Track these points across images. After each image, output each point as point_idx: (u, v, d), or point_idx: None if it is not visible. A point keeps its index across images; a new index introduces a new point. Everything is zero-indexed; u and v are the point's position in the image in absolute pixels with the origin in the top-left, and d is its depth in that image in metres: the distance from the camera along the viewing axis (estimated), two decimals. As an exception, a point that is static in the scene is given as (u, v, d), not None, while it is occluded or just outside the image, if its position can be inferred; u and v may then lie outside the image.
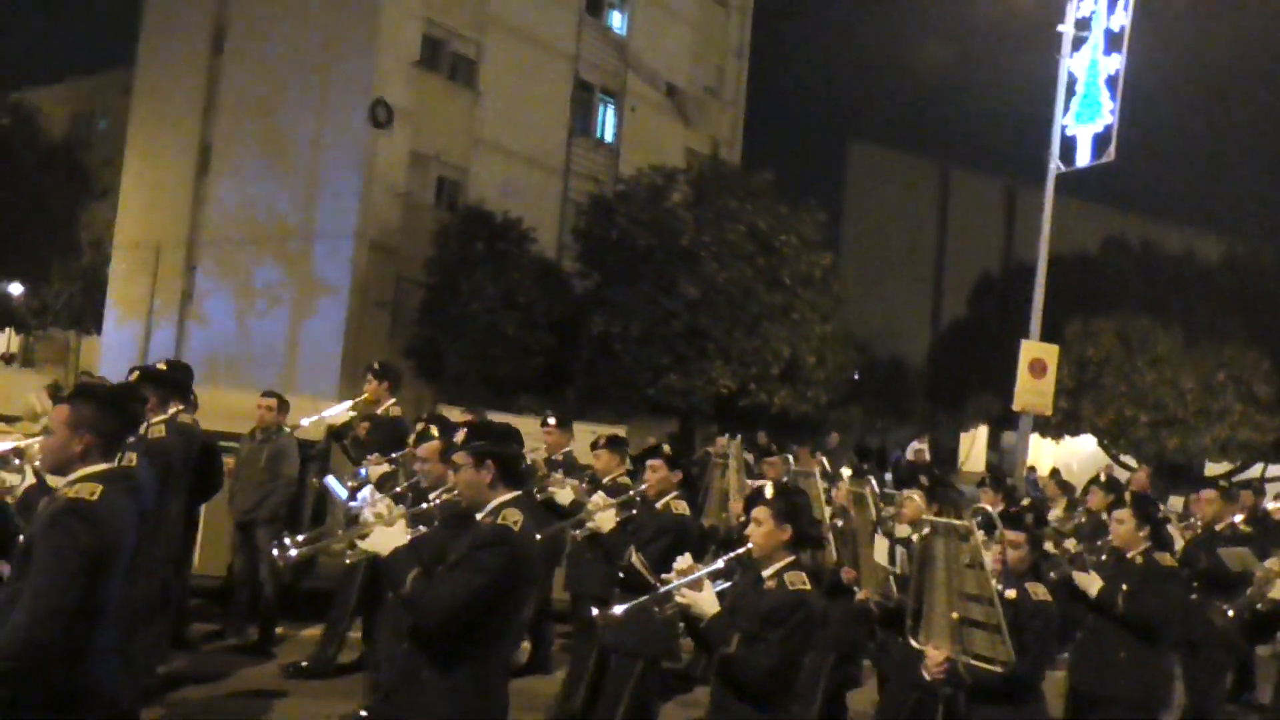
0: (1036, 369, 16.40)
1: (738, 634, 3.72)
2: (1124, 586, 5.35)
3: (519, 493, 3.84)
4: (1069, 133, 16.62)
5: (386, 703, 4.18)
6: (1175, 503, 11.26)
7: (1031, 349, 16.60)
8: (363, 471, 6.39)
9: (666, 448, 5.76)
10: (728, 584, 3.99)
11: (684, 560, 3.98)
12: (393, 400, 7.45)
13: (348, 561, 4.24)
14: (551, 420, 7.46)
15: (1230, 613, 4.92)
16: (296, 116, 22.19)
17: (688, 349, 17.83)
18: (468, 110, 23.08)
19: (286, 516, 7.95)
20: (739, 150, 28.70)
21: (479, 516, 3.74)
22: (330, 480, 6.23)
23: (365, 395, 7.37)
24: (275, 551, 4.11)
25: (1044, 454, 26.52)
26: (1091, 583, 5.36)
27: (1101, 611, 5.34)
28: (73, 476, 3.33)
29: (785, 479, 8.25)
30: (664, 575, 3.97)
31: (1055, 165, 16.74)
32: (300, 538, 4.29)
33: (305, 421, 7.61)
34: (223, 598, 8.36)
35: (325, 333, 21.29)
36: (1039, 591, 4.33)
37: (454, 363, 18.68)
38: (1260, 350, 21.63)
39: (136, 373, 6.32)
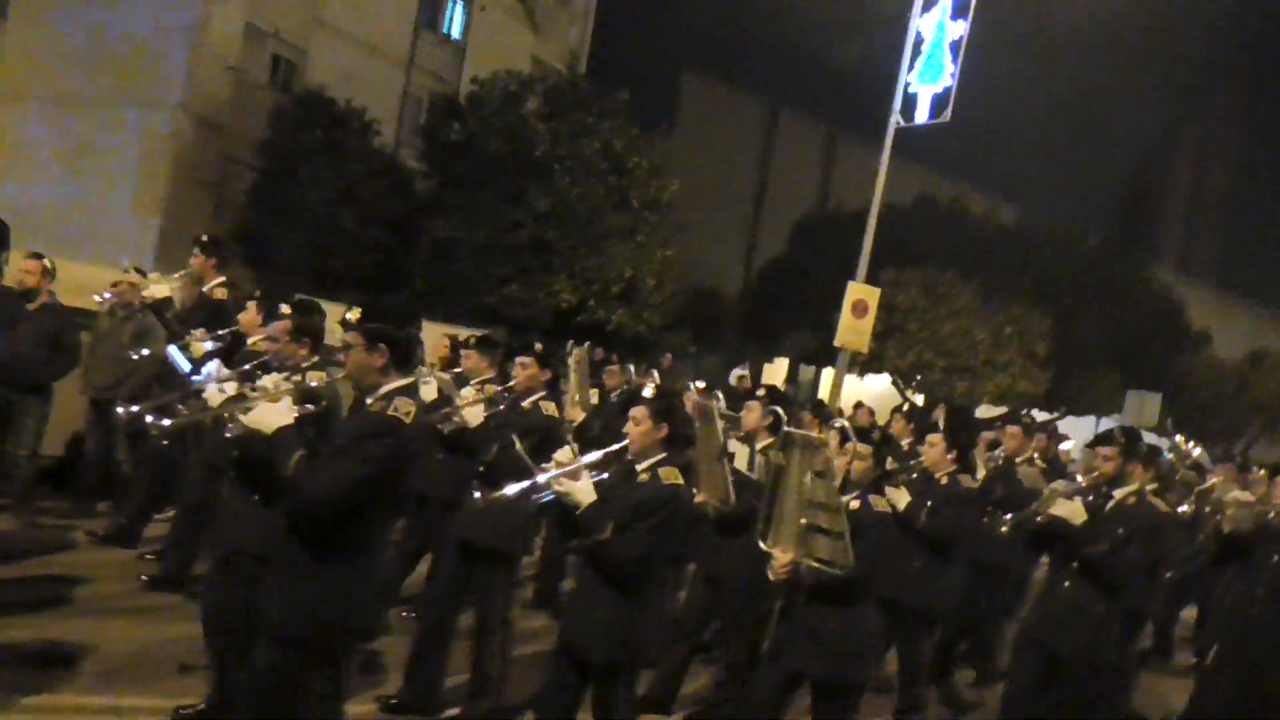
0: (859, 309, 17.43)
1: (610, 523, 3.93)
2: (928, 503, 5.87)
3: (411, 380, 3.77)
4: (911, 90, 17.51)
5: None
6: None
7: (856, 290, 17.60)
8: (209, 345, 6.15)
9: (539, 345, 5.78)
10: (602, 476, 4.16)
11: (564, 452, 4.16)
12: (220, 279, 7.14)
13: (226, 436, 4.02)
14: None
15: (1009, 518, 5.52)
16: (116, -33, 20.26)
17: (531, 260, 17.88)
18: (311, -14, 21.82)
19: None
20: (584, 64, 28.49)
21: (369, 401, 3.64)
22: (172, 350, 5.93)
23: (190, 269, 7.07)
24: (149, 420, 3.90)
25: (844, 389, 28.36)
26: (900, 497, 5.81)
27: (904, 524, 5.73)
28: None
29: (625, 388, 8.63)
30: (543, 465, 4.09)
31: (896, 119, 17.63)
32: (168, 410, 4.20)
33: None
34: (61, 477, 8.00)
35: (141, 206, 19.86)
36: (879, 503, 4.70)
37: (285, 252, 17.96)
38: (1043, 311, 23.83)
39: None
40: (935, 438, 6.26)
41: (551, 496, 4.01)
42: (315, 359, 4.72)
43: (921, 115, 17.46)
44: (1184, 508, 7.83)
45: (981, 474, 7.51)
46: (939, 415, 12.70)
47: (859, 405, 17.55)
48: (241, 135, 20.04)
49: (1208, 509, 7.89)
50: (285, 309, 4.99)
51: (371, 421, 3.56)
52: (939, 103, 17.14)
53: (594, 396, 8.12)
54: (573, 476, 3.98)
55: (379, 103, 21.29)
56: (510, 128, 18.08)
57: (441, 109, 19.91)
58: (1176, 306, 29.74)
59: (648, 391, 4.47)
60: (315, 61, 21.92)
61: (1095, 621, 5.09)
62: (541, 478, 4.00)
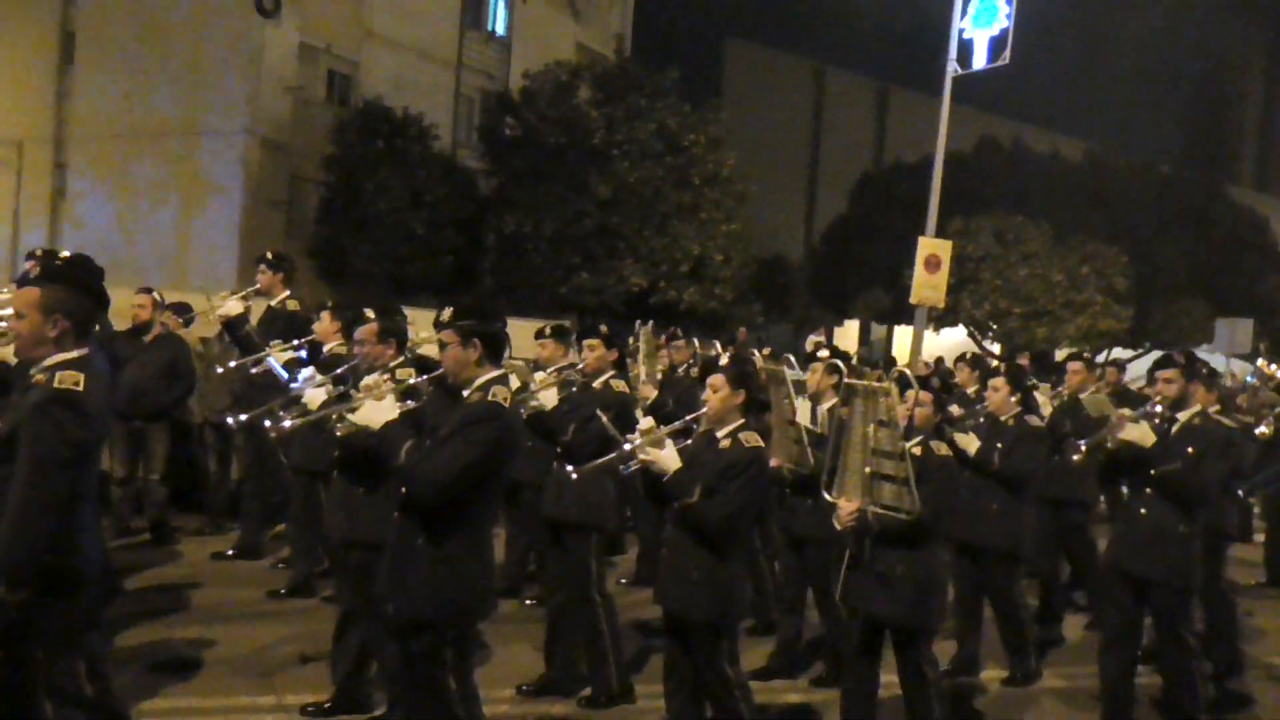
0: (932, 264, 17.28)
1: (698, 486, 4.07)
2: (998, 445, 5.95)
3: (503, 370, 3.92)
4: (965, 36, 17.24)
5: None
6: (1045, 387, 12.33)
7: (927, 245, 17.44)
8: (302, 354, 6.35)
9: (603, 327, 5.91)
10: (685, 444, 4.29)
11: (647, 422, 4.31)
12: (287, 293, 7.25)
13: (338, 434, 4.23)
14: None
15: (1083, 446, 5.51)
16: (172, 2, 20.84)
17: (598, 248, 18.05)
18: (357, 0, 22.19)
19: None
20: (629, 46, 28.51)
21: (467, 393, 3.80)
22: (272, 360, 6.23)
23: (259, 285, 7.15)
24: (268, 424, 4.18)
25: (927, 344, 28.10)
26: (970, 442, 5.93)
27: (978, 469, 5.88)
28: (52, 361, 3.21)
29: (691, 362, 8.72)
30: (629, 435, 4.23)
31: (953, 67, 17.38)
32: (273, 416, 4.36)
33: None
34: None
35: (217, 233, 20.52)
36: (941, 449, 4.78)
37: (360, 263, 18.41)
38: (1119, 245, 23.31)
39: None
40: (998, 382, 6.31)
41: (638, 465, 4.16)
42: (401, 359, 4.93)
43: (979, 61, 17.18)
44: (1261, 429, 7.70)
45: (1047, 412, 7.50)
46: (1024, 362, 12.56)
47: (939, 361, 17.49)
48: (306, 153, 20.54)
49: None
50: (369, 313, 5.24)
51: (476, 408, 3.72)
52: (996, 46, 16.84)
53: (659, 374, 8.31)
54: (657, 445, 4.13)
55: (433, 106, 21.65)
56: (565, 119, 18.23)
57: (495, 106, 20.12)
58: (1259, 225, 28.82)
59: (724, 360, 4.56)
60: (368, 72, 22.32)
61: (1179, 542, 5.09)
62: (628, 447, 4.14)
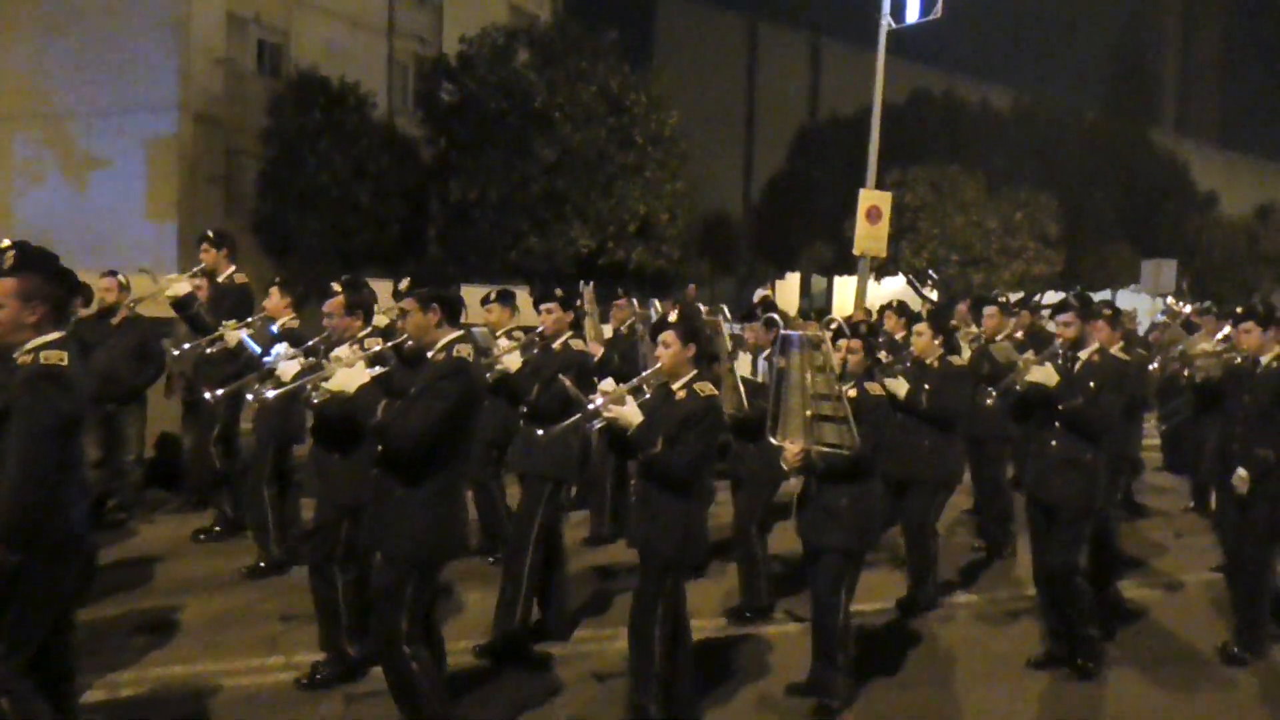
0: (873, 215, 17.72)
1: (660, 437, 4.34)
2: (925, 386, 6.33)
3: (463, 330, 4.22)
4: (898, -10, 17.59)
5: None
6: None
7: (868, 197, 17.87)
8: (274, 330, 6.48)
9: (559, 290, 6.10)
10: (645, 398, 4.54)
11: (607, 383, 4.52)
12: (233, 268, 7.34)
13: (315, 401, 4.51)
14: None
15: (994, 392, 5.90)
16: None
17: (546, 212, 18.12)
18: (283, -33, 21.76)
19: None
20: (561, 5, 28.32)
21: (430, 354, 4.12)
22: (245, 337, 6.39)
23: (202, 264, 7.23)
24: (250, 397, 4.47)
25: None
26: (900, 386, 6.30)
27: (909, 410, 6.25)
28: (35, 343, 3.39)
29: (632, 320, 8.96)
30: (591, 396, 4.46)
31: (887, 21, 17.73)
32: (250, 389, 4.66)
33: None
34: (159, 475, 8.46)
35: (155, 211, 20.14)
36: (875, 389, 5.14)
37: (305, 237, 18.24)
38: (1050, 192, 23.99)
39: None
40: (921, 327, 6.68)
41: (603, 423, 4.42)
42: (369, 329, 5.14)
43: (912, 15, 17.55)
44: (1153, 365, 8.25)
45: (966, 355, 7.91)
46: (959, 311, 13.06)
47: (883, 309, 17.95)
48: (242, 127, 20.19)
49: (1179, 364, 8.24)
50: (336, 286, 5.39)
51: (443, 364, 4.04)
52: (927, 1, 17.21)
53: (606, 331, 8.53)
54: (619, 402, 4.38)
55: (366, 74, 21.33)
56: (505, 83, 18.17)
57: (432, 72, 19.95)
58: (1180, 170, 29.82)
59: (673, 316, 4.83)
60: (298, 41, 21.93)
61: (1086, 469, 5.50)
62: (592, 406, 4.37)
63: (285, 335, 6.08)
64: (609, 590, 6.47)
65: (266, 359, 5.19)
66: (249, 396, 4.63)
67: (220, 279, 7.28)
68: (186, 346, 6.66)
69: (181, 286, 6.84)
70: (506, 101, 17.86)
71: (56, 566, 3.46)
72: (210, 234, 7.49)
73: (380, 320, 5.96)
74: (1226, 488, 5.96)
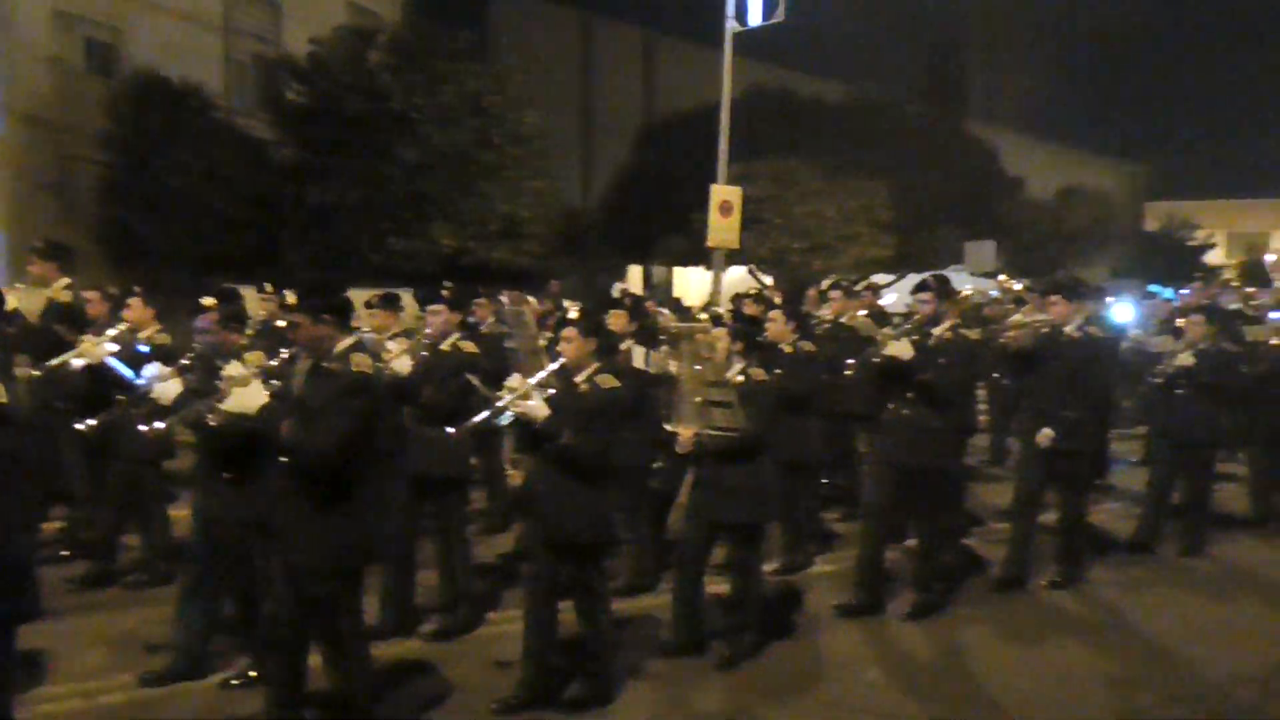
0: (725, 209, 18.60)
1: (567, 429, 4.67)
2: (777, 371, 6.86)
3: (358, 338, 4.36)
4: (741, -8, 18.45)
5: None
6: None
7: (720, 191, 18.74)
8: (143, 348, 6.34)
9: (446, 292, 6.30)
10: (549, 393, 4.84)
11: (515, 379, 4.83)
12: (66, 281, 7.06)
13: (211, 424, 4.43)
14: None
15: (851, 363, 6.62)
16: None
17: (409, 213, 18.12)
18: (111, -38, 20.76)
19: None
20: (405, 5, 28.01)
21: (326, 364, 4.19)
22: (113, 361, 6.14)
23: (32, 275, 6.97)
24: (143, 428, 4.44)
25: (708, 285, 29.66)
26: (757, 374, 6.97)
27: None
28: None
29: (495, 316, 9.35)
30: (497, 393, 4.77)
31: (731, 24, 18.60)
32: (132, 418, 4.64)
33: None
34: None
35: (-18, 221, 18.92)
36: (758, 374, 5.63)
37: (156, 244, 17.62)
38: (881, 180, 25.56)
39: None
40: (775, 314, 7.24)
41: (510, 417, 4.71)
42: (246, 342, 5.16)
43: (755, 18, 18.47)
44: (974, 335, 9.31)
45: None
46: (810, 295, 14.14)
47: (739, 297, 18.85)
48: (75, 129, 19.21)
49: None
50: (209, 301, 5.42)
51: (346, 380, 4.14)
52: (770, 3, 18.15)
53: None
54: (526, 398, 4.65)
55: (203, 74, 20.58)
56: (361, 84, 18.04)
57: (282, 73, 19.53)
58: (991, 156, 32.20)
59: (573, 313, 5.09)
60: (131, 39, 21.00)
61: (935, 435, 6.25)
62: (500, 404, 4.66)
63: (157, 353, 5.98)
64: (509, 577, 6.91)
65: (140, 380, 5.18)
66: (142, 428, 4.52)
67: (50, 292, 6.98)
68: (50, 364, 6.20)
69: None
70: (363, 103, 17.73)
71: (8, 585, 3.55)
72: (40, 245, 7.18)
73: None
74: (1032, 444, 6.84)
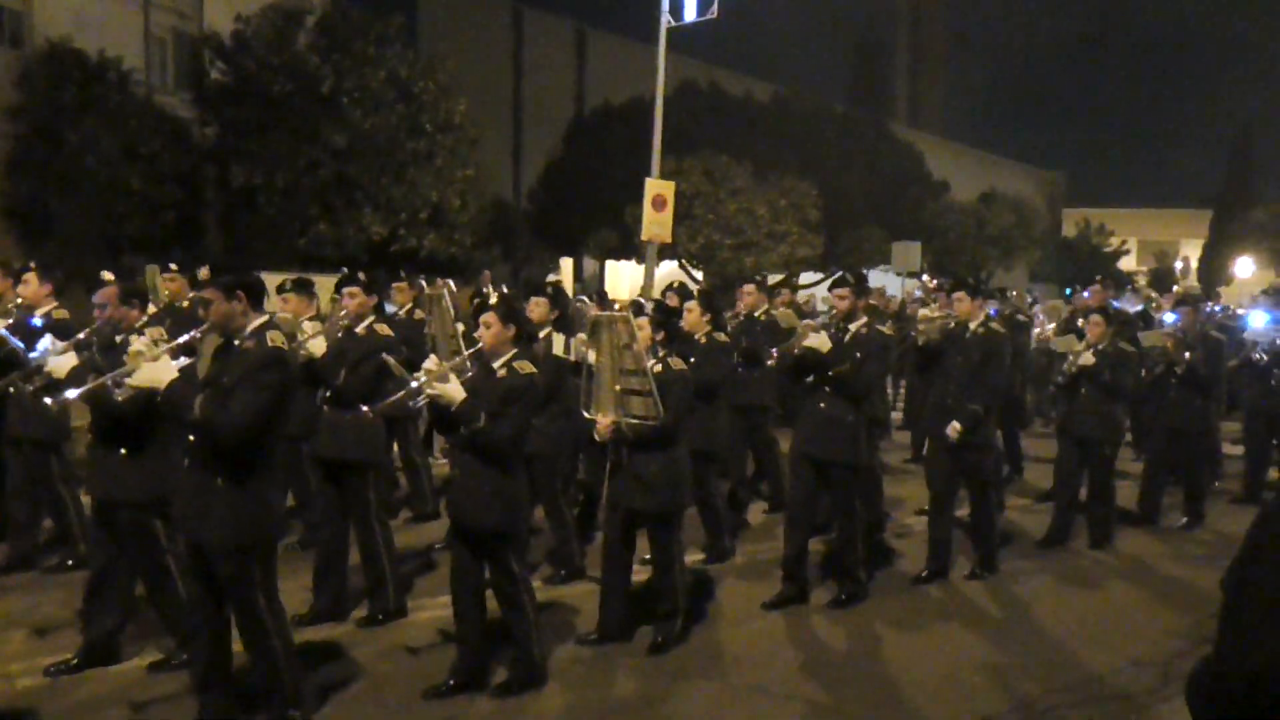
0: (658, 203, 18.66)
1: (483, 413, 4.59)
2: (691, 359, 6.46)
3: (269, 316, 4.29)
4: (676, -12, 18.54)
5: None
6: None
7: (653, 186, 18.79)
8: (36, 322, 6.16)
9: (362, 275, 6.24)
10: (466, 375, 4.79)
11: (432, 361, 4.76)
12: None
13: (119, 399, 4.28)
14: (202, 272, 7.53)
15: (775, 352, 6.70)
16: None
17: (336, 198, 17.84)
18: (24, -72, 19.98)
19: None
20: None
21: (239, 341, 4.14)
22: (3, 332, 5.89)
23: None
24: (49, 400, 4.25)
25: (639, 278, 29.73)
26: (675, 364, 6.91)
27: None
28: None
29: (414, 302, 9.29)
30: (415, 374, 4.67)
31: (666, 19, 18.67)
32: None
33: None
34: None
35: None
36: (676, 364, 5.63)
37: (68, 222, 17.05)
38: (810, 179, 25.90)
39: None
40: (691, 305, 7.26)
41: (426, 399, 4.66)
42: (145, 318, 5.08)
43: (690, 14, 18.57)
44: (913, 334, 9.50)
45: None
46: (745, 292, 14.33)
47: (670, 287, 18.94)
48: (-18, 101, 18.47)
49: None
50: (108, 276, 5.30)
51: (259, 355, 4.09)
52: (705, 0, 18.27)
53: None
54: (443, 380, 4.61)
55: (121, 49, 19.99)
56: (288, 66, 17.69)
57: (204, 50, 19.05)
58: (917, 159, 32.88)
59: (492, 299, 5.06)
60: (43, 10, 20.25)
61: (849, 429, 6.37)
62: (415, 385, 4.62)
63: (55, 327, 5.78)
64: (427, 565, 6.91)
65: (33, 354, 5.02)
66: (48, 400, 4.31)
67: None
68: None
69: None
70: (290, 84, 17.38)
71: None
72: None
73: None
74: (940, 437, 7.03)
